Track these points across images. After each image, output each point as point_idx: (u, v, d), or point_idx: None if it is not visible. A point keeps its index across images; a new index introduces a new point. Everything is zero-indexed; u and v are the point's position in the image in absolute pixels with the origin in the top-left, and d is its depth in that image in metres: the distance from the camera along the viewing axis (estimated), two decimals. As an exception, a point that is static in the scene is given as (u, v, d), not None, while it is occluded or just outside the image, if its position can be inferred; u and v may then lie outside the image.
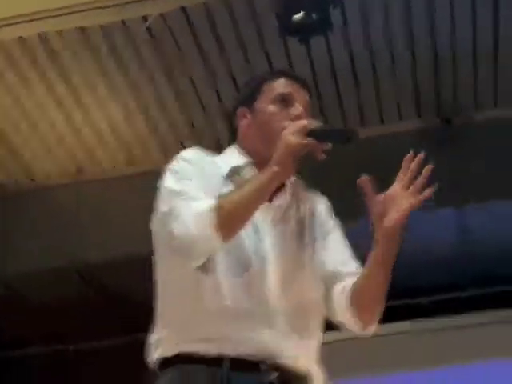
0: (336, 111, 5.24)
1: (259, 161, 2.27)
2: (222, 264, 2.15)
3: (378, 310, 2.23)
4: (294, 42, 4.64)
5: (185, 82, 5.11)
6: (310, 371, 2.20)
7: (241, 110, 2.36)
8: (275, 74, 2.41)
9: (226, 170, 2.26)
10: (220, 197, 2.13)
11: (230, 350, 2.10)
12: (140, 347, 6.36)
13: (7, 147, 5.48)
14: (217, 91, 5.16)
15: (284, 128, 2.18)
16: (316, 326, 2.27)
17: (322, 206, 2.41)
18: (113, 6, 4.49)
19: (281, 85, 2.34)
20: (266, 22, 4.73)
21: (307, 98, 2.35)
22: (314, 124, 2.15)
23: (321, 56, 4.95)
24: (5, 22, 4.39)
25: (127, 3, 4.33)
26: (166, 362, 2.18)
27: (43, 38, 4.78)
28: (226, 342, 2.10)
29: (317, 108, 5.16)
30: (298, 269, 2.25)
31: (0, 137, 5.40)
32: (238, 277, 2.15)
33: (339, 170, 5.22)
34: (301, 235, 2.30)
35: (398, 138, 5.32)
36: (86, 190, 5.65)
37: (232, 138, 2.40)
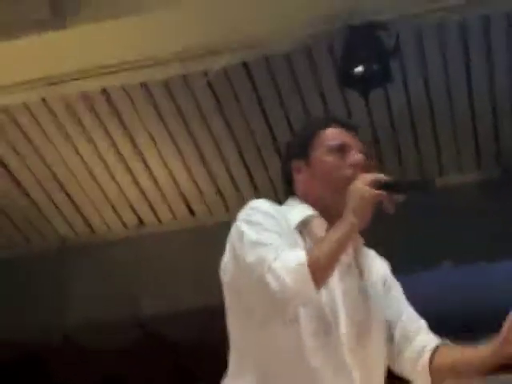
0: (395, 163, 5.23)
1: (323, 212, 2.25)
2: (301, 316, 2.13)
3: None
4: (352, 94, 4.66)
5: (245, 135, 5.14)
6: None
7: (296, 164, 2.32)
8: (327, 121, 2.37)
9: (295, 221, 2.23)
10: (308, 250, 2.12)
11: None
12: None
13: (69, 200, 5.55)
14: (276, 145, 5.17)
15: (346, 176, 2.19)
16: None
17: (380, 263, 2.39)
18: (172, 61, 4.56)
19: (335, 134, 2.31)
20: (326, 75, 4.76)
21: (362, 144, 2.32)
22: (382, 177, 2.15)
23: (379, 108, 4.96)
24: (69, 77, 4.47)
25: (189, 58, 4.38)
26: None
27: (106, 92, 4.87)
28: None
29: (376, 160, 5.16)
30: (367, 322, 2.23)
31: (61, 188, 5.48)
32: (317, 334, 2.14)
33: (402, 221, 5.20)
34: (364, 290, 2.27)
35: (458, 189, 5.29)
36: (146, 242, 5.69)
37: (287, 191, 2.36)
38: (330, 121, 2.36)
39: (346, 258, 2.22)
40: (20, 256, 5.82)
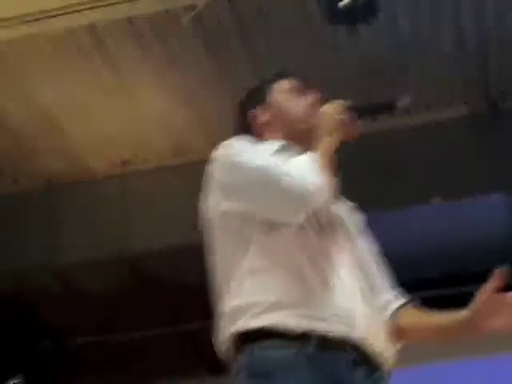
0: (382, 98, 5.19)
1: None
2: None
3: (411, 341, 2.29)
4: (340, 30, 4.63)
5: (232, 70, 5.11)
6: (384, 350, 2.19)
7: (254, 112, 2.39)
8: (281, 74, 2.46)
9: (275, 148, 2.26)
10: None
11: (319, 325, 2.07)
12: (188, 336, 6.43)
13: (56, 139, 5.53)
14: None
15: (307, 110, 2.32)
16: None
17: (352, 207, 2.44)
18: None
19: (291, 81, 2.42)
20: (313, 10, 4.72)
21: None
22: (346, 102, 2.25)
23: (367, 43, 4.92)
24: (53, 13, 4.42)
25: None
26: (247, 336, 2.09)
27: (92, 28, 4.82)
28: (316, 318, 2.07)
29: (364, 94, 5.13)
30: (355, 242, 2.29)
31: (47, 127, 5.45)
32: (315, 244, 2.17)
33: (389, 155, 5.22)
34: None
35: (445, 124, 5.30)
36: (132, 180, 5.68)
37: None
38: (279, 76, 2.46)
39: None
40: (7, 196, 5.81)
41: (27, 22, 4.55)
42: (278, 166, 2.12)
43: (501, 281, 2.02)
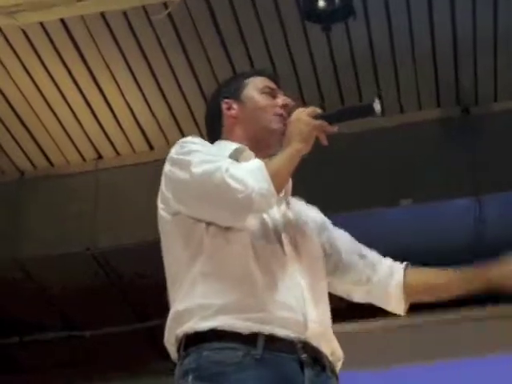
0: (355, 100, 5.22)
1: (251, 147, 2.33)
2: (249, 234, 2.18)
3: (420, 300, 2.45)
4: (314, 29, 4.64)
5: (205, 69, 5.10)
6: (334, 347, 2.22)
7: (227, 102, 2.41)
8: (258, 72, 2.51)
9: (228, 151, 2.29)
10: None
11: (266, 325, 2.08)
12: (153, 334, 6.41)
13: (27, 132, 5.49)
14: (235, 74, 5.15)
15: (278, 113, 2.35)
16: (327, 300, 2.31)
17: (309, 207, 2.49)
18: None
19: (265, 80, 2.45)
20: (287, 9, 4.73)
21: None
22: (318, 110, 2.27)
23: (341, 43, 4.93)
24: (25, 7, 4.37)
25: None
26: (195, 338, 2.09)
27: (64, 23, 4.78)
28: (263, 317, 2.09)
29: (336, 96, 5.16)
30: (303, 240, 2.30)
31: (19, 121, 5.41)
32: (264, 246, 2.18)
33: (358, 159, 5.23)
34: (297, 216, 2.36)
35: (418, 127, 5.32)
36: (104, 176, 5.66)
37: (212, 134, 2.44)
38: (257, 71, 2.52)
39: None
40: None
41: (-1, 14, 4.49)
42: (223, 170, 2.11)
43: None
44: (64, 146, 5.59)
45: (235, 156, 2.28)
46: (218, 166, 2.12)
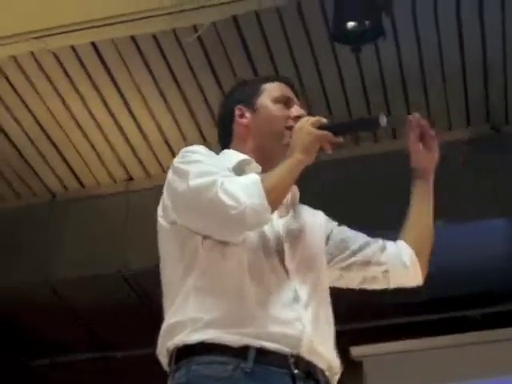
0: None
1: (258, 160, 2.31)
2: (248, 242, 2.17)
3: (429, 251, 2.52)
4: (343, 50, 4.64)
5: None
6: (331, 362, 2.18)
7: (240, 109, 2.39)
8: (274, 78, 2.47)
9: (232, 163, 2.28)
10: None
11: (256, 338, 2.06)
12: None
13: (58, 154, 5.53)
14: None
15: (290, 126, 2.29)
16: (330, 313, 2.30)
17: (315, 212, 2.48)
18: (164, 14, 4.52)
19: (283, 87, 2.41)
20: (316, 30, 4.74)
21: (302, 103, 2.44)
22: (324, 120, 2.24)
23: (370, 64, 4.93)
24: (56, 31, 4.42)
25: (179, 12, 4.33)
26: (185, 351, 2.10)
27: (95, 46, 4.82)
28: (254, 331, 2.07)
29: (366, 112, 5.15)
30: (310, 251, 2.30)
31: (51, 143, 5.46)
32: (261, 260, 2.16)
33: (388, 178, 5.21)
34: (302, 226, 2.34)
35: (448, 146, 5.29)
36: (134, 198, 5.68)
37: (223, 140, 2.45)
38: (274, 77, 2.50)
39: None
40: (10, 211, 5.81)
41: (30, 39, 4.53)
42: (218, 184, 2.10)
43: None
44: (95, 167, 5.63)
45: (240, 168, 2.27)
46: (214, 181, 2.10)
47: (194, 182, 2.14)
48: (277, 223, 2.24)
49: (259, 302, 2.09)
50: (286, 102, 2.37)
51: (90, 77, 5.02)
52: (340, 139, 2.21)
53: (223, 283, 2.11)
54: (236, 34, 4.80)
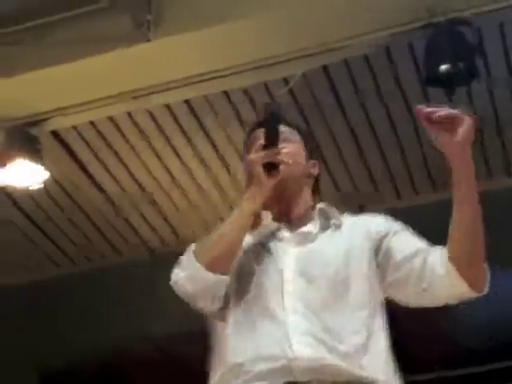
0: (480, 163, 5.16)
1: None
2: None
3: (480, 261, 2.16)
4: (434, 93, 4.62)
5: (326, 139, 5.14)
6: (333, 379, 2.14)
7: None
8: (256, 125, 2.48)
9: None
10: None
11: None
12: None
13: (156, 210, 5.64)
14: (358, 146, 5.18)
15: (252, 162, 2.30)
16: None
17: (362, 221, 2.38)
18: (255, 68, 4.58)
19: (258, 134, 2.40)
20: (406, 74, 4.75)
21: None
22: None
23: (463, 106, 4.89)
24: (152, 90, 4.52)
25: (269, 65, 4.39)
26: None
27: (189, 104, 4.92)
28: None
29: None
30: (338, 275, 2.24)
31: (149, 200, 5.57)
32: (251, 304, 2.23)
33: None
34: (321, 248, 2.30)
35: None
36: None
37: None
38: (258, 124, 2.47)
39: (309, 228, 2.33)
40: (111, 267, 5.92)
41: (127, 99, 4.65)
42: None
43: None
44: (193, 222, 5.70)
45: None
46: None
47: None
48: (284, 261, 2.26)
49: (244, 352, 2.18)
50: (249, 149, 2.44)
51: (185, 134, 5.12)
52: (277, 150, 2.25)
53: (217, 348, 2.29)
54: (326, 82, 4.84)
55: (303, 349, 2.11)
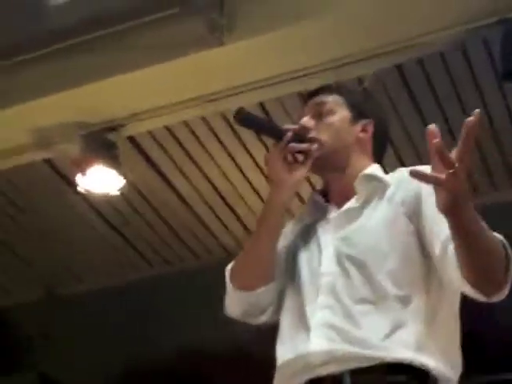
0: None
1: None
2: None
3: (494, 280, 1.91)
4: (511, 88, 4.56)
5: (403, 139, 5.10)
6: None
7: None
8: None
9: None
10: None
11: None
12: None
13: (232, 213, 5.68)
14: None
15: None
16: None
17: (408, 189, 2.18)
18: (327, 70, 4.56)
19: (300, 115, 2.38)
20: (482, 71, 4.68)
21: (316, 101, 2.35)
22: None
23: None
24: (228, 93, 4.54)
25: (342, 65, 4.37)
26: None
27: (262, 106, 4.94)
28: None
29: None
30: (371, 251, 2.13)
31: (224, 203, 5.61)
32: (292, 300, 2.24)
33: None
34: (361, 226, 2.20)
35: None
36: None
37: None
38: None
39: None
40: (189, 270, 5.97)
41: (201, 104, 4.68)
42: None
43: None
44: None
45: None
46: None
47: None
48: (324, 247, 2.21)
49: (280, 356, 2.25)
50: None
51: (259, 137, 5.13)
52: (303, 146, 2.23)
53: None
54: (400, 81, 4.80)
55: (320, 342, 2.07)
